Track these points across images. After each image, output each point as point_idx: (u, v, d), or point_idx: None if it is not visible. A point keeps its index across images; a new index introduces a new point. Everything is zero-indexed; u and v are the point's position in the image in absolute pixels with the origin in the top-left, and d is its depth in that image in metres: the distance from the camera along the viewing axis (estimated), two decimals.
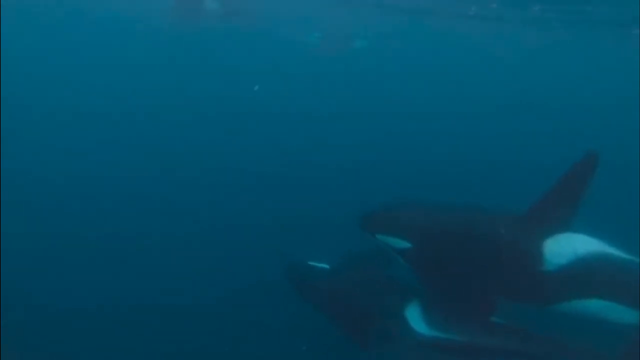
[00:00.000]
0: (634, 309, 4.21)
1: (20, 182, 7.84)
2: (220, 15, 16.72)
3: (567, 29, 15.05)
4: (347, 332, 5.00)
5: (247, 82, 13.29)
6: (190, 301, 6.13)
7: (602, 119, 12.03)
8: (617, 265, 4.23)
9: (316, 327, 5.34)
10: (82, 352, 5.55)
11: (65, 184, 8.25)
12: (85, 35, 18.40)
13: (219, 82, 13.82)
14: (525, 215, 4.34)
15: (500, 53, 20.36)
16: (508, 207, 4.54)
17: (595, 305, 4.28)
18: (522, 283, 4.35)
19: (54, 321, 5.76)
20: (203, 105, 11.90)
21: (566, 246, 4.21)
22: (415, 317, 4.57)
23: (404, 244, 4.51)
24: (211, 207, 7.90)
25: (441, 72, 18.43)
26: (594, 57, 19.51)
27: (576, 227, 4.38)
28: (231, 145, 10.03)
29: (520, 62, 20.42)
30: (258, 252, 6.78)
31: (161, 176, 8.62)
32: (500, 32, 17.92)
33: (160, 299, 6.12)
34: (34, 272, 6.25)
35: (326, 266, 5.54)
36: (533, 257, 4.23)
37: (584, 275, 4.21)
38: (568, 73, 19.42)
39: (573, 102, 14.51)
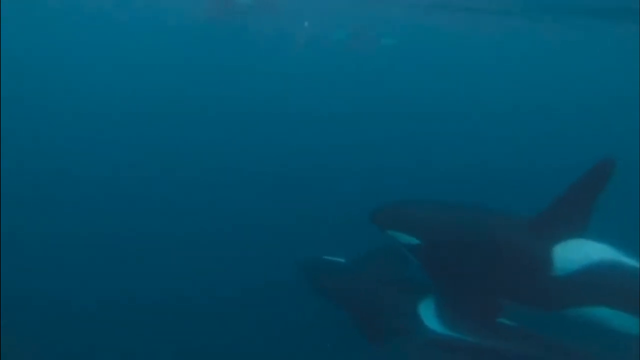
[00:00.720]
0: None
1: (20, 182, 7.87)
2: (252, 9, 16.88)
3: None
4: (360, 327, 5.06)
5: (271, 80, 13.45)
6: (200, 299, 6.18)
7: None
8: (627, 274, 4.19)
9: (328, 323, 5.42)
10: (83, 354, 5.63)
11: (75, 184, 8.28)
12: (118, 32, 18.68)
13: (246, 78, 13.96)
14: (537, 219, 4.34)
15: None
16: (523, 209, 4.55)
17: (602, 313, 4.26)
18: (529, 287, 4.36)
19: (55, 322, 5.79)
20: (230, 102, 12.05)
21: (576, 252, 4.20)
22: (428, 315, 4.63)
23: (413, 240, 4.57)
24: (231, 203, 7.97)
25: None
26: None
27: (589, 233, 4.35)
28: (252, 142, 10.09)
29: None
30: (271, 248, 6.81)
31: (175, 175, 8.72)
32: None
33: (163, 298, 6.16)
34: (35, 272, 6.29)
35: (341, 260, 5.59)
36: (542, 261, 4.23)
37: (592, 283, 4.19)
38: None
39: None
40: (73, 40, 17.38)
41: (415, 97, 14.02)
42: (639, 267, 4.21)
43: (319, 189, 8.28)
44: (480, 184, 7.81)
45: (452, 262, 4.53)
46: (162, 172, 8.65)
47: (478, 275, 4.44)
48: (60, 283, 6.13)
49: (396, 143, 10.28)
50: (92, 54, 15.14)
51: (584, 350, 4.37)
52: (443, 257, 4.55)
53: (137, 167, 8.74)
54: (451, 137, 10.73)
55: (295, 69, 15.50)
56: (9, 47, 12.98)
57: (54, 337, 5.56)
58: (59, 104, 11.01)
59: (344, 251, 5.61)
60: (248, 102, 12.01)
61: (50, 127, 9.85)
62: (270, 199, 8.09)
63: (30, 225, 7.02)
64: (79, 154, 9.17)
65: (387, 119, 11.55)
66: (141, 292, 6.12)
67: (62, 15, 19.42)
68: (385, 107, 12.60)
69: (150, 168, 8.72)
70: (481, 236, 4.45)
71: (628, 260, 4.23)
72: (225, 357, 5.71)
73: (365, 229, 5.05)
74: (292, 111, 11.69)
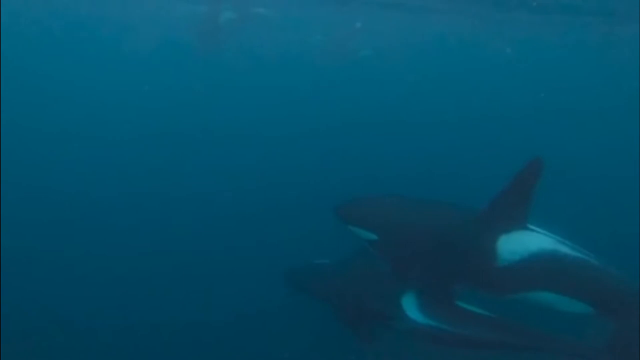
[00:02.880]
0: (582, 301, 4.59)
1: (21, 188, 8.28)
2: (237, 24, 17.18)
3: None
4: (348, 324, 5.36)
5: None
6: (193, 303, 6.54)
7: None
8: (565, 261, 4.57)
9: (316, 323, 5.81)
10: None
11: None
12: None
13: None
14: (482, 213, 4.69)
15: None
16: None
17: (546, 297, 4.65)
18: (480, 274, 4.73)
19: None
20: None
21: (518, 242, 4.56)
22: (411, 306, 4.95)
23: (372, 236, 4.90)
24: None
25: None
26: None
27: (535, 223, 4.74)
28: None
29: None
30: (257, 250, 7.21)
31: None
32: None
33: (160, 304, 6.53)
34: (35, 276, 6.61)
35: (326, 261, 5.88)
36: (489, 251, 4.58)
37: (533, 270, 4.56)
38: None
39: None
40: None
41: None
42: (576, 254, 4.60)
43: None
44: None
45: (408, 256, 4.86)
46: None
47: (433, 265, 4.79)
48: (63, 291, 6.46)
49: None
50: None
51: (562, 339, 4.74)
52: (400, 251, 4.88)
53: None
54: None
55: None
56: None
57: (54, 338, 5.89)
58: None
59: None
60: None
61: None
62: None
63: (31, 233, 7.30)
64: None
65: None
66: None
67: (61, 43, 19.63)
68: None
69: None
70: (433, 230, 4.82)
71: (566, 249, 4.61)
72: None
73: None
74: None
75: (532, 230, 4.65)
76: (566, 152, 10.80)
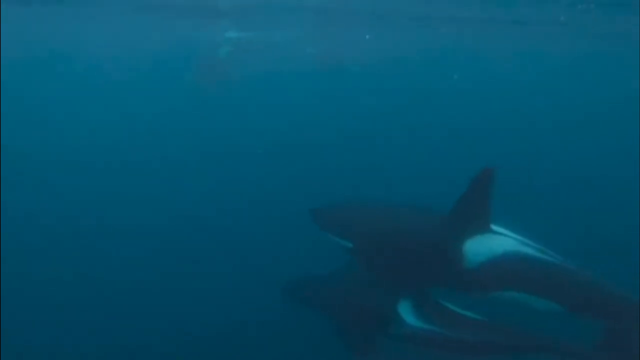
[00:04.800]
0: (545, 298, 4.84)
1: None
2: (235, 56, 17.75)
3: None
4: (345, 334, 5.40)
5: None
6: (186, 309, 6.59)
7: None
8: (530, 261, 4.85)
9: (314, 333, 5.78)
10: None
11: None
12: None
13: None
14: (447, 218, 4.98)
15: None
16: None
17: (512, 296, 4.91)
18: (450, 276, 5.01)
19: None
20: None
21: (483, 245, 4.86)
22: (407, 311, 5.13)
23: (347, 243, 5.23)
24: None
25: None
26: None
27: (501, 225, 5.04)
28: None
29: None
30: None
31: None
32: None
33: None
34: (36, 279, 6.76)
35: (324, 274, 5.96)
36: (455, 254, 4.87)
37: (499, 270, 4.83)
38: None
39: None
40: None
41: None
42: (539, 254, 4.88)
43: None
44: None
45: (382, 260, 5.17)
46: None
47: (405, 268, 5.08)
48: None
49: None
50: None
51: (550, 342, 4.93)
52: (374, 256, 5.20)
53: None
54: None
55: None
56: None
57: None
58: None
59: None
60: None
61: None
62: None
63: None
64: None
65: None
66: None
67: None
68: None
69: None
70: (405, 235, 5.14)
71: (529, 249, 4.90)
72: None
73: None
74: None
75: (496, 232, 4.94)
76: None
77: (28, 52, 21.66)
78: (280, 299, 5.95)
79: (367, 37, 18.03)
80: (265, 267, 7.06)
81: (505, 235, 4.98)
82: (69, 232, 8.03)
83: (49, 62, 21.94)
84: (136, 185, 9.67)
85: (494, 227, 4.99)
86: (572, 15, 14.00)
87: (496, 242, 4.88)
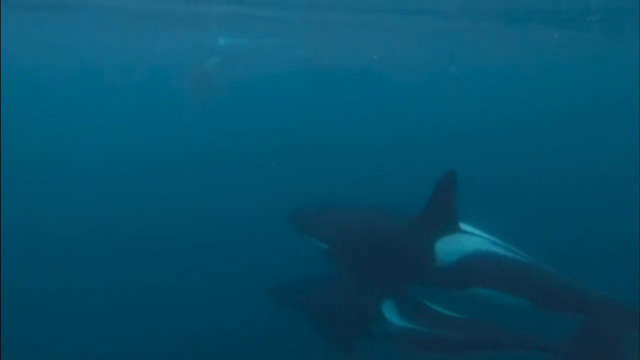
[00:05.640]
0: (514, 295, 5.08)
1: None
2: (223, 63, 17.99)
3: None
4: (330, 336, 5.55)
5: None
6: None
7: None
8: (498, 259, 5.08)
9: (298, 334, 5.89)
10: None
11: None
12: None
13: None
14: (417, 220, 5.19)
15: None
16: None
17: (483, 293, 5.14)
18: (423, 275, 5.25)
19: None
20: None
21: (453, 245, 5.08)
22: (391, 312, 5.31)
23: (325, 245, 5.46)
24: None
25: None
26: None
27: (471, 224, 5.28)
28: None
29: None
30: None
31: None
32: None
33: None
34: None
35: (310, 276, 6.09)
36: (427, 253, 5.10)
37: (468, 268, 5.06)
38: None
39: None
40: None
41: None
42: (507, 252, 5.11)
43: None
44: None
45: (357, 261, 5.40)
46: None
47: (380, 269, 5.30)
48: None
49: None
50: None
51: (528, 338, 5.13)
52: (350, 257, 5.43)
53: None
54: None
55: None
56: None
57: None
58: None
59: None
60: None
61: None
62: None
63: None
64: None
65: None
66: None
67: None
68: None
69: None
70: (379, 236, 5.35)
71: (497, 248, 5.12)
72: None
73: None
74: None
75: (465, 232, 5.16)
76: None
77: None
78: (265, 301, 6.07)
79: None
80: (249, 270, 7.24)
81: (474, 234, 5.20)
82: (54, 238, 8.24)
83: (39, 69, 22.13)
84: (123, 191, 9.88)
85: (464, 227, 5.21)
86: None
87: (465, 240, 5.10)
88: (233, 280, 7.15)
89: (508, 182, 10.08)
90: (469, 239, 5.14)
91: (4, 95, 15.40)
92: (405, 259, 5.24)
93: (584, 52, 19.48)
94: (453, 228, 5.12)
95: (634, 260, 6.83)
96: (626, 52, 17.65)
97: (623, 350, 4.79)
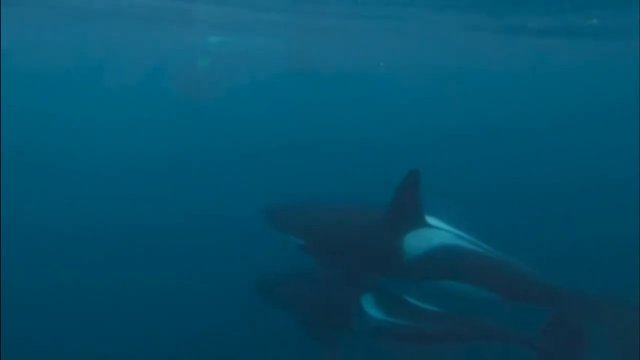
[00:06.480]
0: (479, 287, 5.31)
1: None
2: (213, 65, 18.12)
3: None
4: (312, 330, 5.67)
5: None
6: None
7: None
8: (463, 253, 5.31)
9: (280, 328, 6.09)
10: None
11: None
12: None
13: None
14: (386, 214, 5.39)
15: None
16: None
17: (450, 285, 5.37)
18: (393, 268, 5.47)
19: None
20: None
21: (419, 239, 5.32)
22: (370, 305, 5.47)
23: (300, 240, 5.66)
24: None
25: None
26: None
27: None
28: None
29: None
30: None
31: None
32: None
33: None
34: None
35: (291, 271, 6.18)
36: (397, 247, 5.32)
37: (435, 262, 5.30)
38: None
39: None
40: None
41: None
42: (472, 246, 5.34)
43: None
44: None
45: (332, 255, 5.61)
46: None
47: (352, 263, 5.51)
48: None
49: None
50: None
51: (506, 331, 5.32)
52: (323, 252, 5.64)
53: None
54: None
55: None
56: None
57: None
58: None
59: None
60: None
61: None
62: None
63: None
64: None
65: None
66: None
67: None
68: None
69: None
70: (351, 231, 5.59)
71: (463, 242, 5.36)
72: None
73: None
74: None
75: (432, 227, 5.39)
76: None
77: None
78: (248, 297, 6.19)
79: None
80: (231, 267, 7.42)
81: (440, 228, 5.43)
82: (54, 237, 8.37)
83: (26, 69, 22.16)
84: (108, 193, 10.02)
85: (431, 221, 5.43)
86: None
87: (432, 235, 5.33)
88: (215, 276, 7.32)
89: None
90: (435, 234, 5.36)
91: None
92: (375, 253, 5.45)
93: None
94: (420, 223, 5.34)
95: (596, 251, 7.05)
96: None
97: (586, 341, 5.03)
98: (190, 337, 6.62)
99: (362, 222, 5.62)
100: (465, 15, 13.67)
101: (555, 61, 22.24)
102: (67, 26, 20.68)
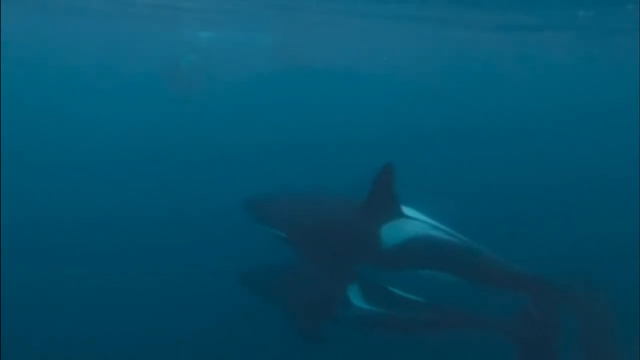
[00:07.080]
0: (452, 275, 5.47)
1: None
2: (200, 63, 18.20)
3: None
4: (298, 323, 5.68)
5: None
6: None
7: None
8: (437, 242, 5.46)
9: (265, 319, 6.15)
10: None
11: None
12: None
13: None
14: (363, 205, 5.53)
15: None
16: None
17: (426, 274, 5.54)
18: (371, 257, 5.60)
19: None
20: None
21: (396, 230, 5.46)
22: (356, 295, 5.58)
23: (280, 234, 5.79)
24: None
25: None
26: None
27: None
28: None
29: None
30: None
31: None
32: None
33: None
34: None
35: (276, 264, 6.22)
36: (374, 237, 5.46)
37: (410, 251, 5.45)
38: None
39: None
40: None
41: None
42: (446, 236, 5.48)
43: None
44: None
45: (311, 245, 5.73)
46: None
47: (333, 251, 5.64)
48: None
49: None
50: None
51: (486, 319, 5.47)
52: (304, 243, 5.75)
53: None
54: None
55: None
56: None
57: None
58: None
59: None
60: None
61: None
62: None
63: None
64: None
65: None
66: None
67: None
68: None
69: None
70: (330, 222, 5.73)
71: (437, 232, 5.50)
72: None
73: None
74: None
75: (408, 217, 5.53)
76: None
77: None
78: (233, 289, 6.22)
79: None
80: (216, 260, 7.50)
81: (415, 219, 5.57)
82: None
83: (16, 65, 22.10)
84: (104, 189, 10.11)
85: (407, 212, 5.56)
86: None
87: (407, 225, 5.48)
88: (200, 270, 7.42)
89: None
90: (411, 224, 5.50)
91: None
92: (353, 243, 5.58)
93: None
94: (396, 214, 5.47)
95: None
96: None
97: (558, 327, 5.18)
98: (176, 330, 6.66)
99: (340, 213, 5.74)
100: (461, 13, 13.76)
101: (549, 58, 22.39)
102: (60, 23, 20.68)
